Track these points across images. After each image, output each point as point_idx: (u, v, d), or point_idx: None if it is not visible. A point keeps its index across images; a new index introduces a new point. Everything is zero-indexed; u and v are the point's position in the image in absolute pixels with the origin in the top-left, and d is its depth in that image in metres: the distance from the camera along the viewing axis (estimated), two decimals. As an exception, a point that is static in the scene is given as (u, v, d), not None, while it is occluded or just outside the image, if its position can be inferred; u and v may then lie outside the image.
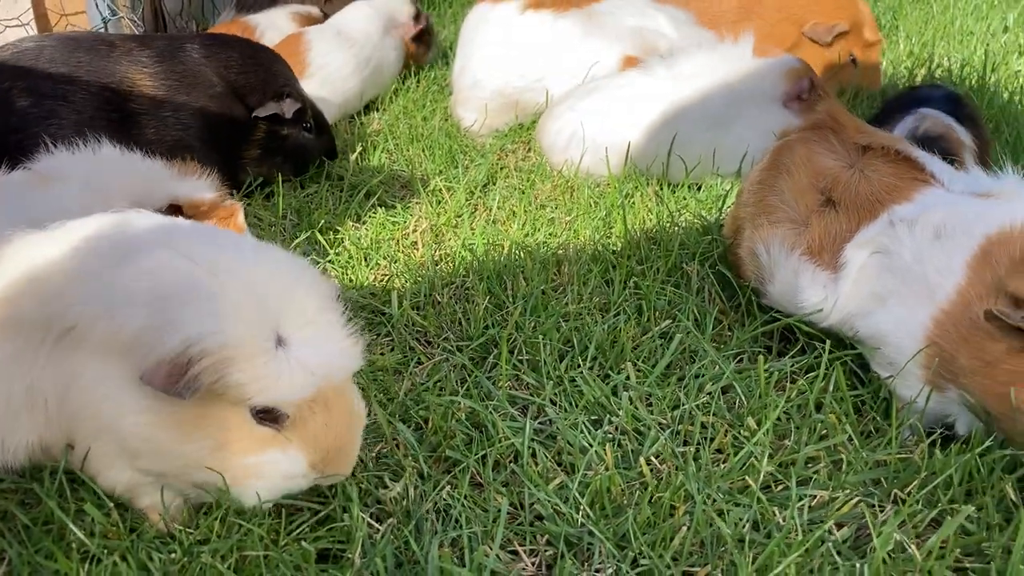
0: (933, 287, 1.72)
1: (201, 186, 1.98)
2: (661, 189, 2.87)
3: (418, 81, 3.85)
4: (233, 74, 2.77)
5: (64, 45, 2.58)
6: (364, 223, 2.69)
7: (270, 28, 3.64)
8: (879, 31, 3.66)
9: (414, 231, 2.63)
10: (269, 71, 2.87)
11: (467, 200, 2.82)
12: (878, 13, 4.72)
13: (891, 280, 1.81)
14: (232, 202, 2.00)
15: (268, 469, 1.40)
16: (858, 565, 1.44)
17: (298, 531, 1.52)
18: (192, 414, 1.36)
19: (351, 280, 2.36)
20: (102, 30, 3.14)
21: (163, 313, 1.32)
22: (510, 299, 2.21)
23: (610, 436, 1.78)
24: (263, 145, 2.83)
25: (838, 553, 1.48)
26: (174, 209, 1.92)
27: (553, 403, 1.88)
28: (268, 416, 1.37)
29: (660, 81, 2.96)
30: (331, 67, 3.46)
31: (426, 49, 3.96)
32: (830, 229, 1.93)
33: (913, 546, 1.46)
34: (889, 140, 1.99)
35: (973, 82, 3.56)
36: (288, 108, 2.80)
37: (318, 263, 2.41)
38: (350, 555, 1.46)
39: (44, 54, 2.54)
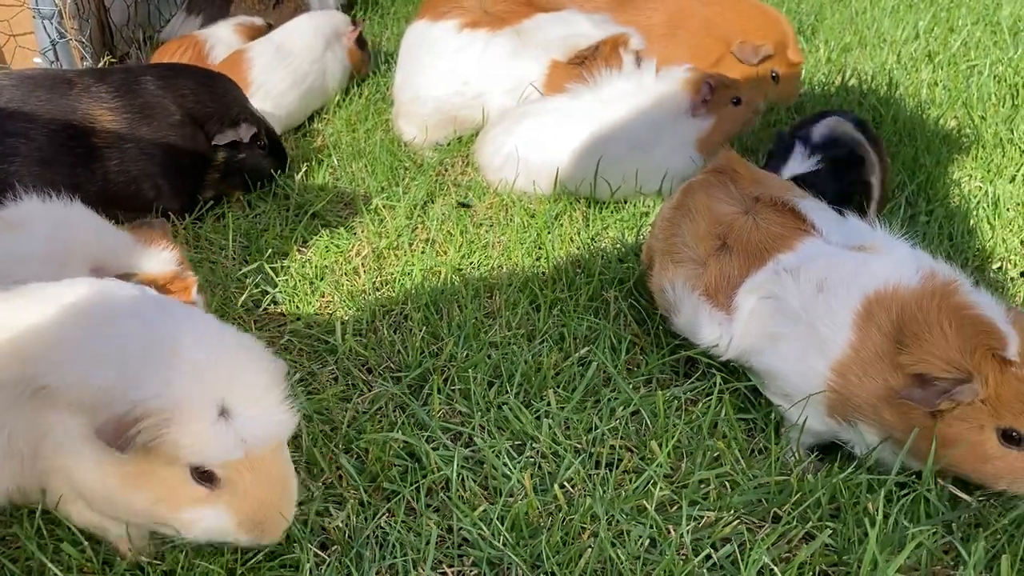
0: (824, 338, 1.92)
1: (163, 258, 2.14)
2: (589, 208, 3.09)
3: (360, 92, 4.00)
4: (190, 103, 2.92)
5: (23, 83, 2.71)
6: (309, 246, 2.87)
7: (218, 43, 3.75)
8: (800, 51, 3.85)
9: (357, 255, 2.82)
10: (224, 98, 3.03)
11: (407, 220, 3.01)
12: (802, 13, 4.95)
13: (782, 322, 2.02)
14: (189, 275, 2.17)
15: (199, 524, 1.58)
16: (733, 580, 1.70)
17: (254, 563, 1.73)
18: (137, 469, 1.54)
19: (297, 309, 2.55)
20: (50, 52, 3.24)
21: (121, 377, 1.51)
22: (445, 328, 2.42)
23: (531, 460, 2.02)
24: (222, 168, 3.02)
25: (720, 568, 1.74)
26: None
27: (483, 428, 2.11)
28: (204, 476, 1.56)
29: (586, 104, 3.17)
30: (272, 82, 3.60)
31: (367, 57, 4.10)
32: (724, 272, 2.15)
33: (781, 563, 1.72)
34: (778, 191, 2.22)
35: (882, 93, 3.81)
36: (245, 133, 2.98)
37: (267, 293, 2.59)
38: (299, 584, 1.68)
39: (3, 93, 2.66)
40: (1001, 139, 3.44)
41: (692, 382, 2.26)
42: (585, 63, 3.31)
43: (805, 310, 1.97)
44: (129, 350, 1.54)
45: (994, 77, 3.97)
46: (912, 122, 3.54)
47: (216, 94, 3.02)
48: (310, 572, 1.70)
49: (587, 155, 3.08)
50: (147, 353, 1.55)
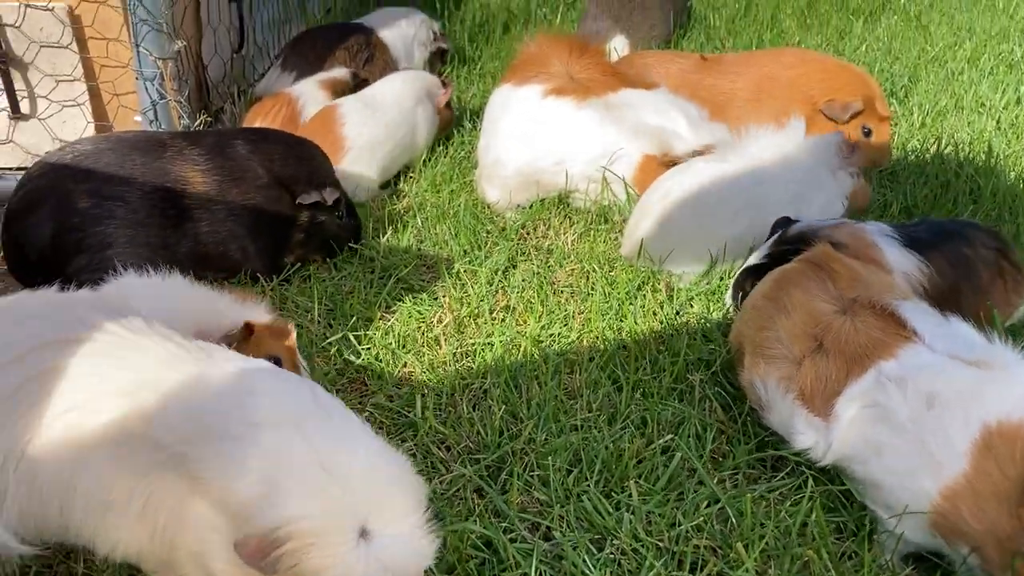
0: (937, 460, 1.82)
1: (260, 311, 2.18)
2: (671, 278, 3.04)
3: (446, 151, 4.03)
4: (277, 166, 2.99)
5: (120, 147, 2.80)
6: (393, 311, 2.89)
7: (309, 100, 3.84)
8: (888, 106, 3.77)
9: (438, 323, 2.82)
10: (310, 162, 3.10)
11: (488, 286, 3.01)
12: (895, 74, 4.83)
13: (886, 433, 1.94)
14: (288, 324, 2.20)
15: None
16: None
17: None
18: None
19: (379, 379, 2.56)
20: (150, 112, 3.35)
21: (267, 494, 1.49)
22: (525, 408, 2.40)
23: (612, 557, 1.97)
24: (305, 230, 3.06)
25: None
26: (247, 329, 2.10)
27: (562, 519, 2.07)
28: None
29: (734, 167, 3.12)
30: (363, 138, 3.66)
31: (452, 116, 4.14)
32: (821, 375, 2.07)
33: None
34: (877, 293, 2.14)
35: (980, 163, 3.68)
36: (329, 196, 3.04)
37: (351, 363, 2.61)
38: None
39: (103, 157, 2.76)
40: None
41: (781, 478, 2.18)
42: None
43: (913, 423, 1.88)
44: (281, 462, 1.53)
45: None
46: (1014, 195, 3.41)
47: (303, 158, 3.09)
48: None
49: (744, 215, 3.02)
50: (299, 468, 1.52)
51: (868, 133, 3.69)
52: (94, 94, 3.45)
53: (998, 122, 4.11)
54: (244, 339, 2.11)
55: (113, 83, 3.44)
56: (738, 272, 2.85)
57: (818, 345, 2.11)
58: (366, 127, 3.68)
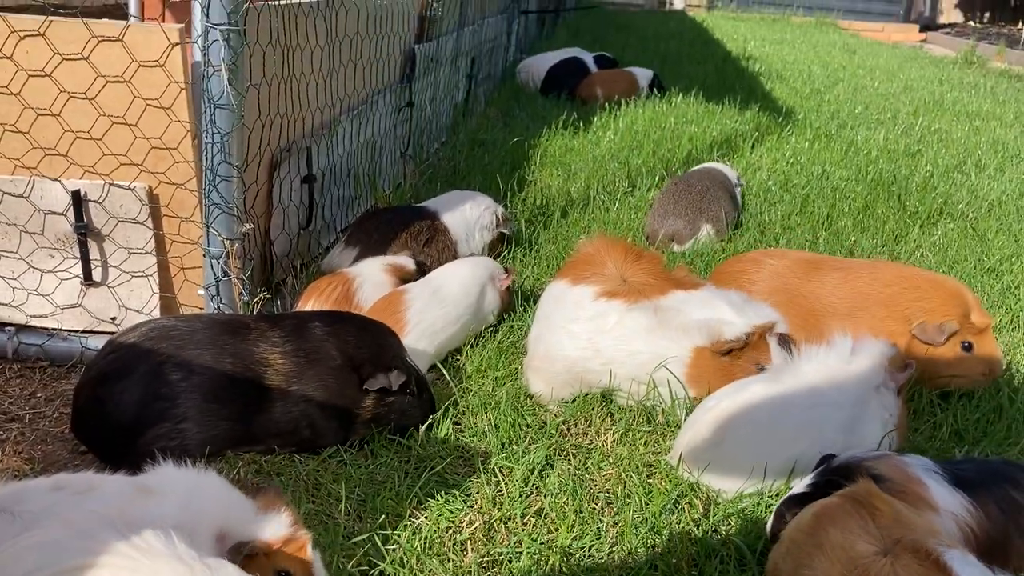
0: None
1: (279, 522, 2.19)
2: (710, 493, 2.98)
3: (494, 337, 4.10)
4: (351, 348, 3.11)
5: (210, 327, 3.01)
6: (424, 508, 2.87)
7: (366, 281, 3.97)
8: (986, 312, 3.71)
9: (468, 525, 2.79)
10: (381, 345, 3.22)
11: (524, 485, 2.98)
12: (1001, 289, 4.78)
13: None
14: (302, 534, 2.20)
15: None
16: None
17: None
18: None
19: (402, 585, 2.52)
20: (212, 288, 3.49)
21: None
22: (547, 630, 2.33)
23: None
24: (372, 411, 3.15)
25: None
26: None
27: None
28: None
29: (780, 388, 3.10)
30: (427, 322, 3.79)
31: (510, 300, 4.24)
32: None
33: None
34: (921, 536, 2.06)
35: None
36: (395, 380, 3.13)
37: (375, 564, 2.58)
38: None
39: (196, 335, 2.96)
40: None
41: None
42: (732, 353, 3.30)
43: None
44: None
45: None
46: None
47: (374, 340, 3.22)
48: None
49: (801, 436, 2.99)
50: None
51: (969, 347, 3.60)
52: (162, 267, 3.62)
53: (1061, 345, 4.04)
54: (253, 555, 2.13)
55: (181, 258, 3.61)
56: (780, 501, 2.79)
57: None
58: (430, 312, 3.80)
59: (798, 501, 2.71)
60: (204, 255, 3.51)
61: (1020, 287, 4.76)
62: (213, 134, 3.29)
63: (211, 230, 3.44)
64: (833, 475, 2.66)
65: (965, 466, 2.71)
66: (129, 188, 3.46)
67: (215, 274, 3.50)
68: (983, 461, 2.71)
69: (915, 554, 2.02)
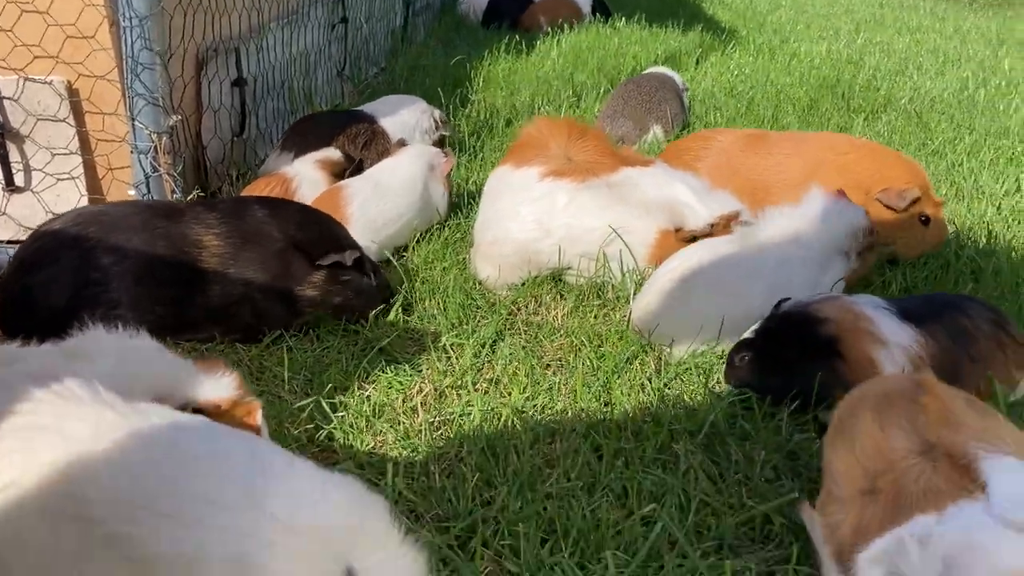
0: None
1: (224, 384, 2.09)
2: (664, 351, 2.95)
3: (440, 234, 4.01)
4: (293, 230, 3.00)
5: (141, 211, 2.89)
6: (372, 381, 2.80)
7: (304, 180, 3.85)
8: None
9: (418, 393, 2.73)
10: (328, 227, 3.13)
11: (474, 359, 2.92)
12: (946, 166, 4.80)
13: None
14: (252, 400, 2.11)
15: None
16: None
17: None
18: None
19: (351, 447, 2.46)
20: (143, 186, 3.36)
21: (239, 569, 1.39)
22: (500, 474, 2.28)
23: (582, 630, 1.82)
24: (322, 291, 3.03)
25: None
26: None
27: (531, 591, 1.93)
28: None
29: (744, 248, 3.08)
30: (370, 216, 3.67)
31: (450, 188, 4.15)
32: (863, 526, 1.73)
33: None
34: (969, 438, 1.73)
35: (981, 245, 3.62)
36: (349, 257, 3.03)
37: (322, 428, 2.51)
38: None
39: (126, 219, 2.83)
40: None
41: (768, 549, 2.04)
42: (698, 240, 3.24)
43: None
44: (245, 536, 1.43)
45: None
46: (1016, 274, 3.32)
47: (321, 225, 3.11)
48: None
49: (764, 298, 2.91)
50: (265, 537, 1.43)
51: (926, 221, 3.61)
52: (89, 167, 3.47)
53: (999, 208, 4.06)
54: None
55: (108, 157, 3.47)
56: (731, 347, 2.76)
57: (871, 488, 1.77)
58: (373, 206, 3.69)
59: (746, 346, 2.69)
60: (132, 151, 3.36)
61: (963, 164, 4.79)
62: (131, 18, 3.13)
63: (136, 123, 3.30)
64: (781, 320, 2.64)
65: (913, 301, 2.71)
66: (46, 82, 3.29)
67: (144, 170, 3.36)
68: (929, 295, 2.71)
69: (951, 458, 1.72)
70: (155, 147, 3.34)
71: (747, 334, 2.70)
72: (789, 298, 2.70)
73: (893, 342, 2.52)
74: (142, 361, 2.11)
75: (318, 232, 3.06)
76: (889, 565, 1.59)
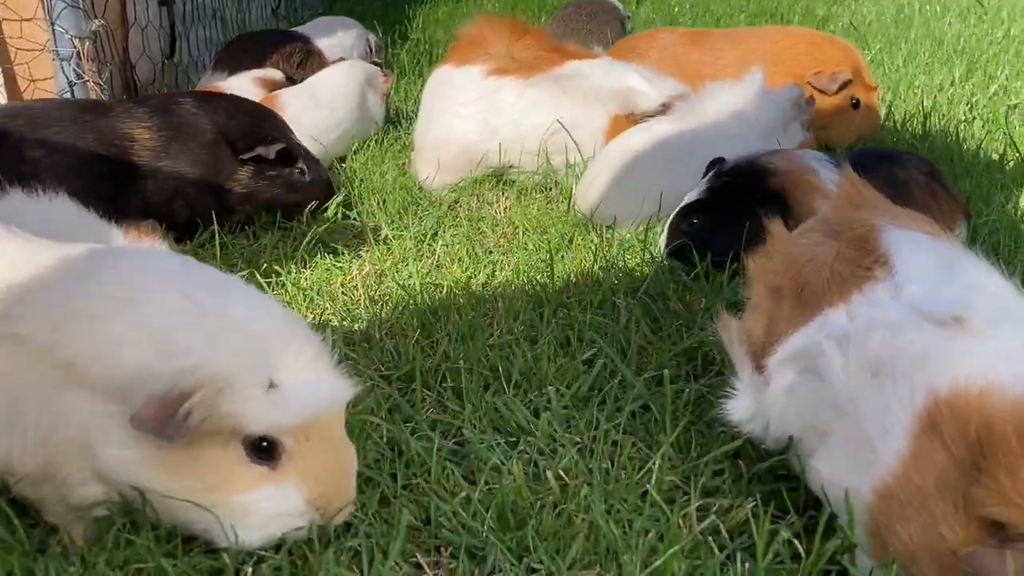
0: (875, 447, 1.34)
1: (150, 245, 2.04)
2: (607, 231, 2.94)
3: (380, 141, 3.96)
4: (223, 121, 2.92)
5: (69, 106, 2.82)
6: (310, 266, 2.76)
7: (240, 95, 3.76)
8: (872, 77, 3.75)
9: (359, 273, 2.69)
10: (258, 119, 3.04)
11: (415, 247, 2.89)
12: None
13: (828, 416, 1.46)
14: None
15: (262, 506, 1.43)
16: (748, 565, 1.45)
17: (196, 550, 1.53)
18: (186, 454, 1.39)
19: (290, 319, 2.41)
20: (67, 94, 3.26)
21: (160, 353, 1.38)
22: (442, 331, 2.25)
23: (526, 455, 1.81)
24: (250, 186, 2.96)
25: (728, 557, 1.50)
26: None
27: (473, 426, 1.91)
28: (262, 453, 1.42)
29: (696, 125, 3.07)
30: (305, 126, 3.59)
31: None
32: (774, 322, 1.65)
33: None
34: (869, 215, 1.66)
35: (915, 130, 3.67)
36: (271, 150, 2.93)
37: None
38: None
39: (53, 113, 2.74)
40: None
41: (709, 377, 2.05)
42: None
43: (854, 402, 1.40)
44: (167, 323, 1.41)
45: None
46: (949, 151, 3.37)
47: (252, 116, 3.03)
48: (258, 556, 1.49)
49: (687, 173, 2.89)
50: (188, 323, 1.41)
51: (857, 104, 3.64)
52: (9, 78, 3.36)
53: (934, 100, 4.11)
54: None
55: (28, 66, 3.36)
56: (673, 214, 2.75)
57: (778, 285, 1.67)
58: (308, 115, 3.62)
59: (692, 209, 2.69)
60: (54, 59, 3.26)
61: (899, 69, 4.85)
62: (43, -88, 3.03)
63: (57, 27, 3.20)
64: (727, 176, 2.64)
65: (853, 154, 2.73)
66: (-42, -12, 3.18)
67: (68, 77, 3.27)
68: (869, 148, 2.74)
69: (857, 237, 1.62)
70: (78, 52, 3.24)
71: (690, 197, 2.69)
72: (723, 158, 2.70)
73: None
74: (63, 223, 2.05)
75: (248, 124, 2.97)
76: (806, 364, 1.52)
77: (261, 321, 1.48)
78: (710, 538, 1.51)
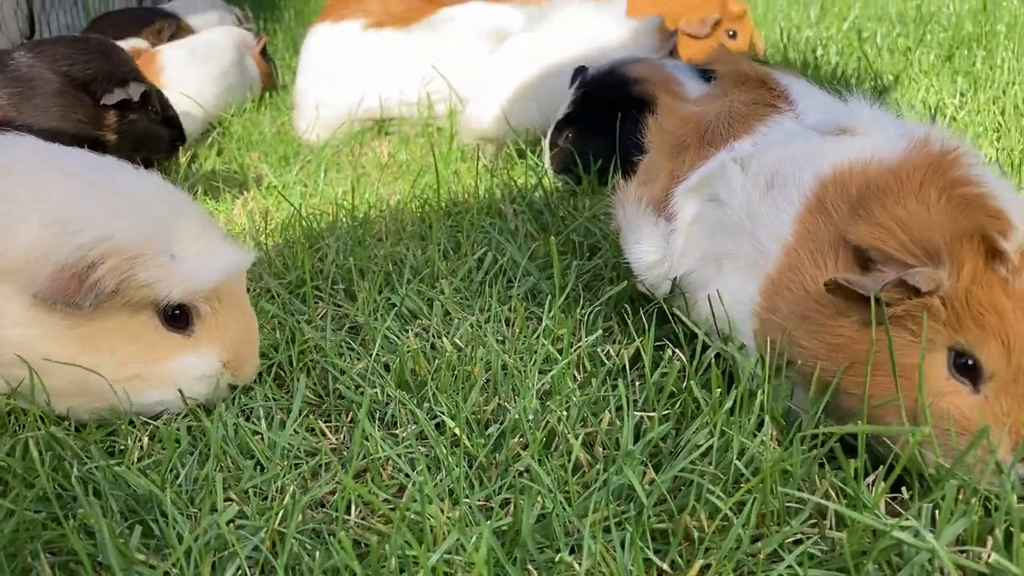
0: (766, 251, 1.38)
1: None
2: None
3: (258, 106, 3.91)
4: (66, 66, 2.73)
5: None
6: (193, 211, 2.70)
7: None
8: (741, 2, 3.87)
9: (244, 209, 2.65)
10: (108, 58, 2.86)
11: (300, 188, 2.86)
12: None
13: (724, 239, 1.48)
14: None
15: (185, 373, 1.46)
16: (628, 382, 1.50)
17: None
18: (99, 327, 1.38)
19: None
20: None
21: (58, 225, 1.36)
22: (331, 246, 2.24)
23: (422, 335, 1.81)
24: (116, 131, 2.81)
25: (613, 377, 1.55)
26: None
27: (367, 315, 1.90)
28: (175, 322, 1.44)
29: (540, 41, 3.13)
30: (187, 81, 3.53)
31: (272, 70, 4.06)
32: (676, 172, 1.65)
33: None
34: (764, 69, 1.71)
35: (777, 58, 3.85)
36: (135, 91, 2.79)
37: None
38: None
39: None
40: (900, 79, 3.46)
41: (597, 259, 2.10)
42: None
43: (751, 216, 1.43)
44: (59, 200, 1.40)
45: (887, 48, 4.03)
46: (804, 67, 3.56)
47: (97, 55, 2.84)
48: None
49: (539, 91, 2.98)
50: (86, 199, 1.42)
51: (734, 35, 3.74)
52: None
53: (781, 28, 4.33)
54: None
55: None
56: (549, 132, 2.80)
57: (680, 143, 1.68)
58: (188, 70, 3.56)
59: (565, 123, 2.75)
60: None
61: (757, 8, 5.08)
62: None
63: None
64: (591, 85, 2.71)
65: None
66: None
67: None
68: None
69: (749, 84, 1.67)
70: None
71: (561, 111, 2.74)
72: (585, 67, 2.76)
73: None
74: None
75: (95, 68, 2.78)
76: (708, 192, 1.53)
77: (151, 194, 1.50)
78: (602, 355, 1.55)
